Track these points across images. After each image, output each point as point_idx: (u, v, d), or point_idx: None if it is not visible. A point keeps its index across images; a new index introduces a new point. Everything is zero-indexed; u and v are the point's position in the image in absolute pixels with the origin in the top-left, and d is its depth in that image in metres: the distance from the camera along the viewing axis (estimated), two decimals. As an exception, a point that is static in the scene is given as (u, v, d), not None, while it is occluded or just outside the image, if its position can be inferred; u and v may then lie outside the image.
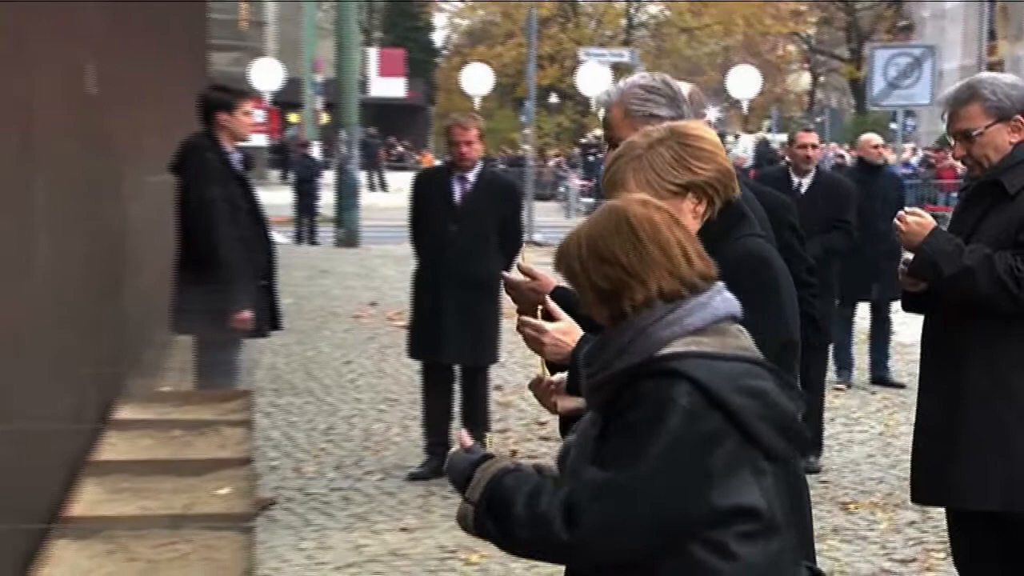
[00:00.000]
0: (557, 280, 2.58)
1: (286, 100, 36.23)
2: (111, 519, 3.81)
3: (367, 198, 24.50)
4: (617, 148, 2.99)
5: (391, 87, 41.12)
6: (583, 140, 36.39)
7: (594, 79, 25.66)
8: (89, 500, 4.17)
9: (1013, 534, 3.66)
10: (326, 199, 22.93)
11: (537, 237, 19.16)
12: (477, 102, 28.54)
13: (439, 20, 54.08)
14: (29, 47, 3.59)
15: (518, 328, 2.67)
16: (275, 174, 36.67)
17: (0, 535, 3.25)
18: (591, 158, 26.05)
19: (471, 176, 6.60)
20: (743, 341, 2.23)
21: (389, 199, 29.69)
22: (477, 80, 29.13)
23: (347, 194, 20.93)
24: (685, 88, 3.20)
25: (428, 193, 6.79)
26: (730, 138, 37.60)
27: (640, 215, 2.21)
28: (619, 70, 27.36)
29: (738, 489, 2.10)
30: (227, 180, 6.09)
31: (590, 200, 27.44)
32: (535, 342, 2.62)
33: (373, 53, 42.79)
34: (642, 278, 2.17)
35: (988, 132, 3.70)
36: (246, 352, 6.62)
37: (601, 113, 3.20)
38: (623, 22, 47.56)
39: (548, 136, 45.26)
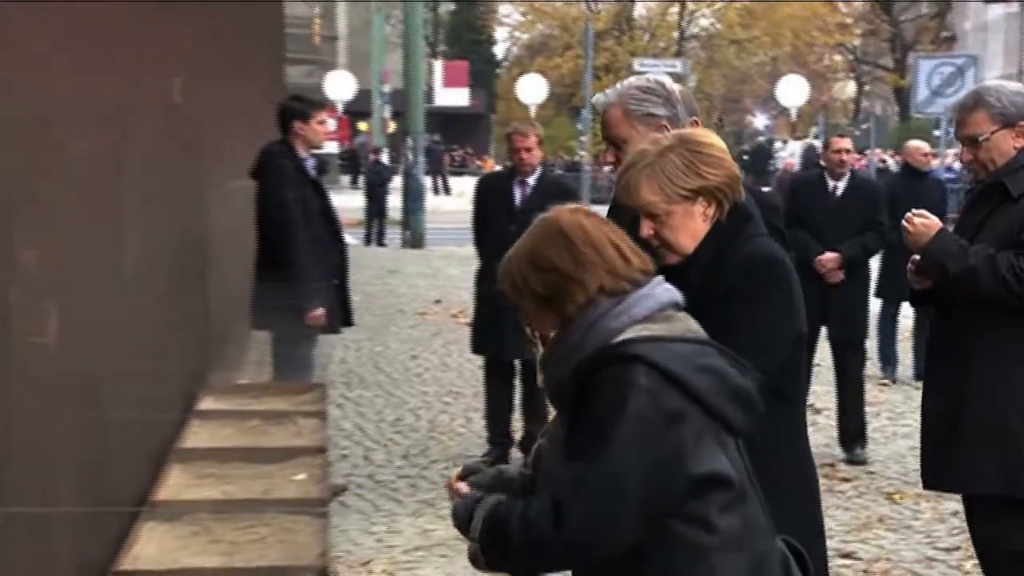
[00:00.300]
0: None
1: (356, 109, 36.42)
2: (195, 503, 3.85)
3: (432, 202, 24.56)
4: (618, 149, 3.06)
5: (455, 97, 41.11)
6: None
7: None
8: (175, 485, 4.22)
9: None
10: (393, 203, 23.02)
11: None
12: (533, 110, 28.52)
13: (500, 34, 54.09)
14: (126, 60, 3.64)
15: None
16: (346, 179, 36.84)
17: (93, 518, 3.30)
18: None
19: (531, 180, 6.60)
20: (690, 324, 2.25)
21: (452, 203, 29.77)
22: (532, 90, 29.13)
23: (413, 198, 21.01)
24: (677, 89, 3.23)
25: (490, 197, 6.79)
26: (778, 143, 37.30)
27: (571, 221, 2.24)
28: (672, 80, 27.26)
29: (709, 459, 2.10)
30: (301, 185, 6.14)
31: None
32: None
33: (438, 65, 42.85)
34: (580, 279, 2.19)
35: (993, 138, 3.73)
36: (320, 347, 6.68)
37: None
38: (675, 34, 47.29)
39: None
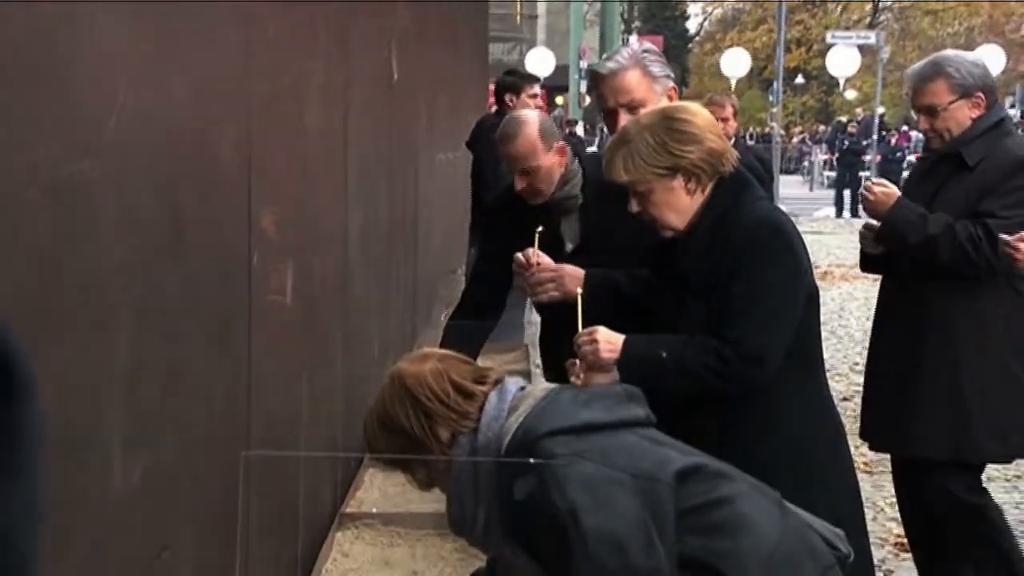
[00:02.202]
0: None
1: (554, 84, 36.52)
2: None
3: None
4: (633, 113, 2.95)
5: (648, 71, 40.78)
6: (841, 119, 35.14)
7: (842, 60, 24.85)
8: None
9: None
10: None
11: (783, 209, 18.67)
12: (733, 83, 28.05)
13: (693, 9, 53.30)
14: (350, 41, 3.75)
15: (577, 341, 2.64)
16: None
17: (327, 463, 3.44)
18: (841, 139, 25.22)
19: (727, 150, 6.52)
20: (538, 391, 2.13)
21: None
22: (734, 63, 28.63)
23: (608, 169, 20.95)
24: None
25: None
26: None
27: (414, 376, 2.11)
28: (865, 52, 26.35)
29: (665, 462, 2.01)
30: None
31: (832, 173, 26.66)
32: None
33: (633, 40, 42.56)
34: (432, 434, 2.07)
35: (951, 108, 3.63)
36: (527, 309, 6.75)
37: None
38: (868, 6, 45.68)
39: (793, 115, 44.03)
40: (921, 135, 4.13)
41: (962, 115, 3.63)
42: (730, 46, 33.92)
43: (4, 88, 1.30)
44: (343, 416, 3.73)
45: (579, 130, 27.98)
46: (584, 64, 36.93)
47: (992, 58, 29.26)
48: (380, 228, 4.78)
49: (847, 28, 39.14)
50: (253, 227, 2.50)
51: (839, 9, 45.92)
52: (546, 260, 3.00)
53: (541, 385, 2.23)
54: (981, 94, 3.63)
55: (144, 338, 1.79)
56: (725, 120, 6.48)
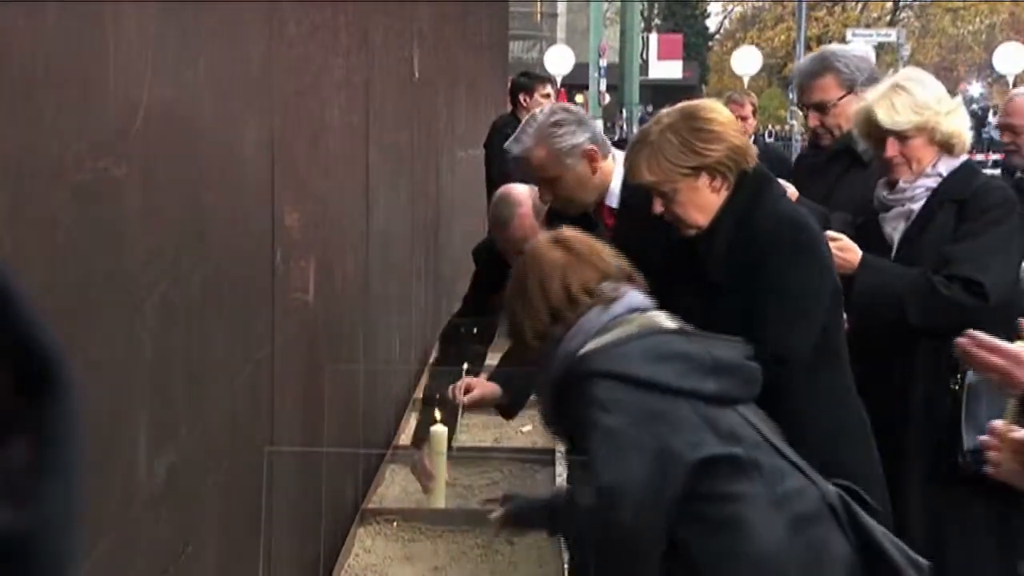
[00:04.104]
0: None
1: (573, 82, 36.50)
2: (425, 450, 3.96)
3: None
4: (552, 186, 2.97)
5: (669, 69, 40.66)
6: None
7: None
8: (413, 431, 4.35)
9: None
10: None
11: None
12: (746, 81, 27.97)
13: (713, 7, 53.14)
14: (372, 40, 3.75)
15: None
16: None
17: (347, 458, 3.44)
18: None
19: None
20: (644, 321, 2.19)
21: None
22: (746, 61, 28.57)
23: (627, 167, 20.95)
24: (578, 109, 3.14)
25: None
26: (991, 111, 35.42)
27: (535, 257, 2.26)
28: (885, 50, 26.20)
29: (695, 445, 2.02)
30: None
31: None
32: None
33: (653, 38, 42.48)
34: (535, 315, 2.22)
35: (840, 103, 3.52)
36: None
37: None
38: (888, 3, 45.47)
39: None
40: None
41: (851, 110, 3.48)
42: (750, 44, 33.82)
43: (30, 87, 1.31)
44: (365, 412, 3.74)
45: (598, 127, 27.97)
46: (604, 63, 36.90)
47: (1015, 55, 29.07)
48: (402, 225, 4.78)
49: (867, 26, 38.98)
50: (277, 224, 2.51)
51: (859, 7, 45.72)
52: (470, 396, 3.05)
53: (656, 318, 2.24)
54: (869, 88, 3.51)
55: (169, 335, 1.79)
56: (744, 119, 6.46)
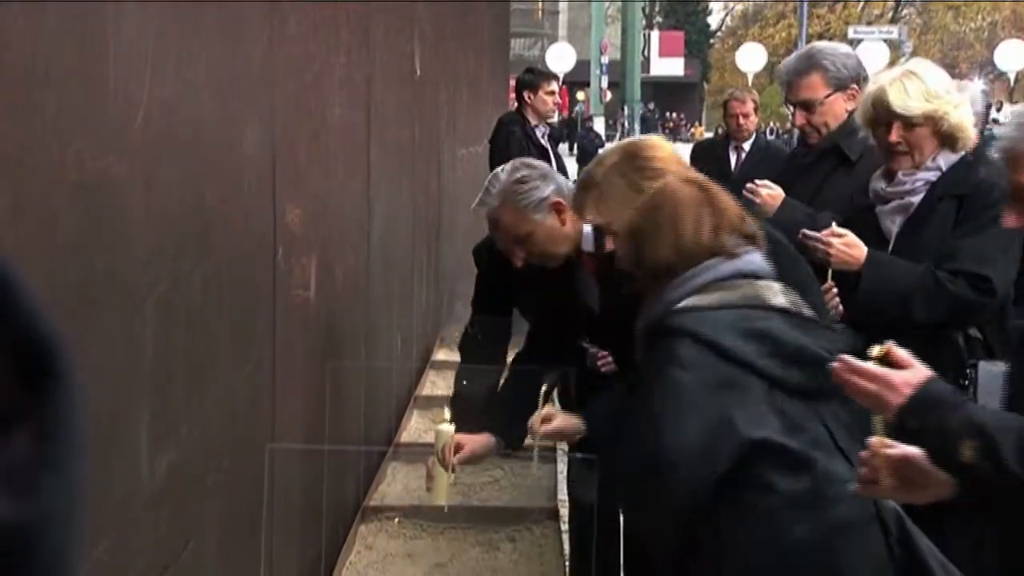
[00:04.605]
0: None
1: (575, 80, 36.52)
2: (433, 446, 3.97)
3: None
4: (527, 243, 2.94)
5: (670, 66, 40.71)
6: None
7: (872, 56, 24.78)
8: (414, 429, 4.36)
9: None
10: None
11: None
12: (750, 78, 27.97)
13: (715, 4, 53.13)
14: (372, 37, 3.75)
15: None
16: (564, 147, 37.01)
17: (350, 456, 3.44)
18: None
19: (746, 146, 6.51)
20: (749, 291, 2.18)
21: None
22: (750, 58, 28.56)
23: (629, 164, 20.96)
24: (537, 163, 3.09)
25: (706, 162, 6.71)
26: (994, 107, 35.42)
27: (669, 192, 2.25)
28: (890, 46, 26.19)
29: (757, 425, 2.02)
30: (529, 151, 6.23)
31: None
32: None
33: (655, 36, 42.49)
34: (654, 249, 2.22)
35: (827, 101, 3.50)
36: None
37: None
38: (890, 1, 45.45)
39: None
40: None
41: (839, 108, 3.50)
42: (751, 41, 33.81)
43: (31, 86, 1.31)
44: (366, 410, 3.74)
45: (599, 126, 27.97)
46: (605, 60, 36.91)
47: (1016, 52, 29.06)
48: (403, 223, 4.78)
49: (869, 23, 38.97)
50: (278, 222, 2.51)
51: (861, 4, 45.71)
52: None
53: (763, 290, 2.22)
54: (856, 86, 3.50)
55: (170, 333, 1.79)
56: (746, 116, 6.46)
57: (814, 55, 3.61)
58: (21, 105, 1.29)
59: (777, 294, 2.21)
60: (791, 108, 3.65)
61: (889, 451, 1.88)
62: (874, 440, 1.90)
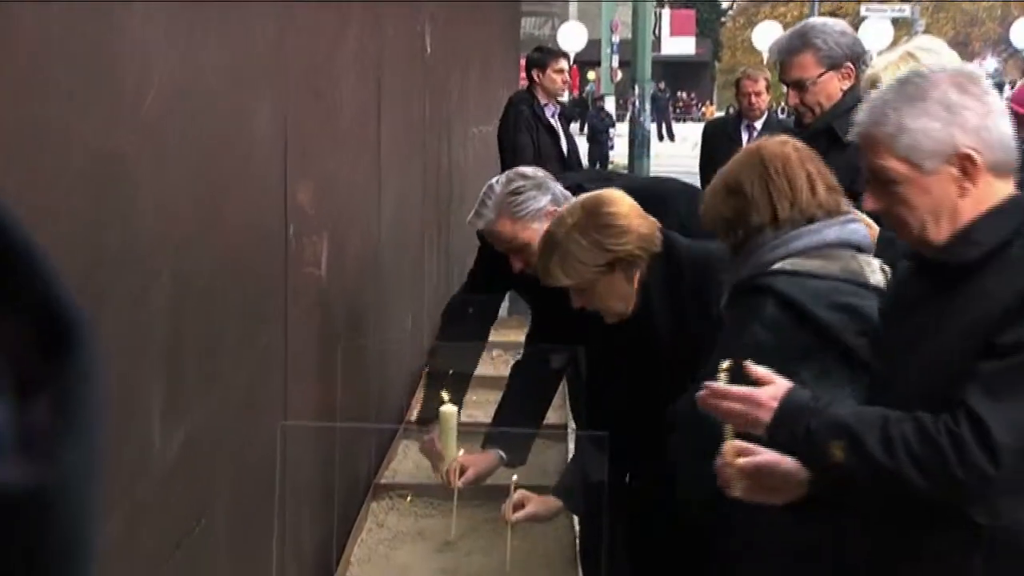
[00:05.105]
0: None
1: (586, 59, 36.38)
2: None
3: (655, 147, 24.37)
4: (523, 252, 2.97)
5: (682, 45, 40.58)
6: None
7: (876, 34, 24.65)
8: (418, 410, 4.36)
9: None
10: (620, 149, 22.99)
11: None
12: (765, 57, 27.87)
13: (726, -18, 52.83)
14: (383, 15, 3.74)
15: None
16: (575, 127, 36.92)
17: (360, 434, 3.45)
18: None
19: (758, 124, 6.48)
20: (850, 264, 2.15)
21: (675, 148, 29.43)
22: (767, 36, 28.46)
23: (639, 144, 20.85)
24: (531, 171, 3.10)
25: (718, 141, 6.68)
26: (1008, 85, 35.24)
27: (772, 151, 2.24)
28: (899, 26, 26.04)
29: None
30: (537, 130, 6.23)
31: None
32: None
33: (666, 14, 42.32)
34: (759, 206, 2.18)
35: (820, 81, 3.42)
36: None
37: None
38: (903, -21, 45.14)
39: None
40: None
41: (832, 87, 3.44)
42: (763, 20, 33.65)
43: (44, 63, 1.31)
44: (377, 387, 3.75)
45: (610, 105, 27.89)
46: (616, 39, 36.79)
47: (1028, 30, 28.84)
48: (413, 201, 4.78)
49: (881, 1, 38.76)
50: (289, 200, 2.51)
51: (873, -18, 45.41)
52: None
53: (865, 266, 2.19)
54: (850, 64, 3.44)
55: (182, 310, 1.80)
56: (758, 94, 6.43)
57: (806, 33, 3.56)
58: (33, 81, 1.29)
59: (875, 271, 2.19)
60: (784, 88, 3.61)
61: (741, 461, 1.92)
62: (726, 447, 1.94)
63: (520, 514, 2.77)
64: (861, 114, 1.94)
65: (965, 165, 1.83)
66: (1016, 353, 1.71)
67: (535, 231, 2.96)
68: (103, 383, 0.40)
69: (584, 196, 2.72)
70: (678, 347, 2.56)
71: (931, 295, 1.88)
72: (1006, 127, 1.87)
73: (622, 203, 2.61)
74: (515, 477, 2.91)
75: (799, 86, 3.51)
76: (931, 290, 1.88)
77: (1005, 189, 1.87)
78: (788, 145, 2.27)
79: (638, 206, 2.64)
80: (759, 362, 1.97)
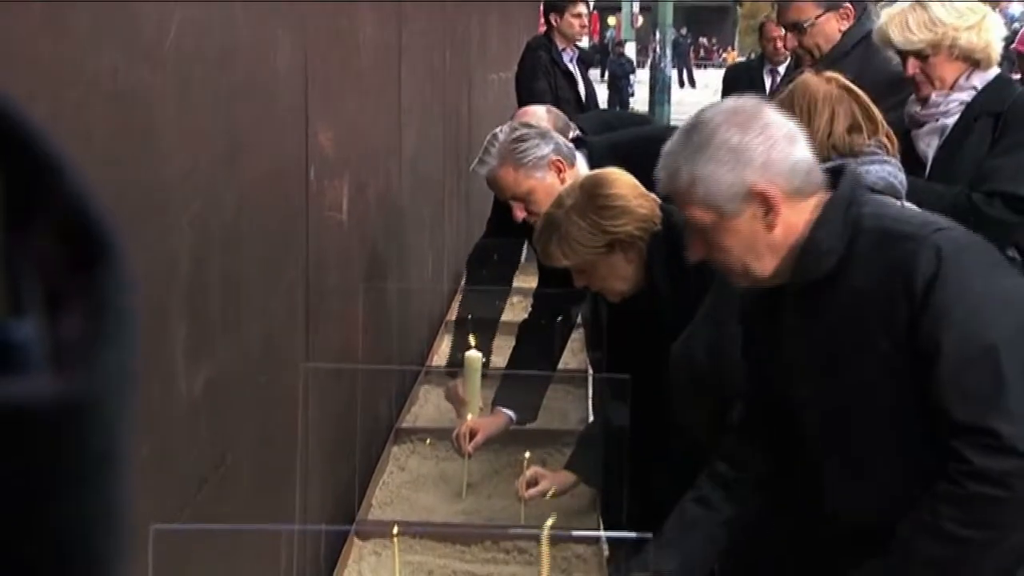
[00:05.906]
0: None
1: (606, 5, 36.08)
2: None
3: (676, 94, 24.19)
4: (526, 202, 2.99)
5: (703, -10, 40.15)
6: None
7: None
8: (444, 352, 4.37)
9: None
10: (641, 95, 22.82)
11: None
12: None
13: (748, -74, 52.11)
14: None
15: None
16: (595, 73, 36.69)
17: (382, 377, 3.46)
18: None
19: (781, 69, 6.42)
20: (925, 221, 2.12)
21: (697, 94, 29.22)
22: (784, -18, 28.18)
23: (659, 90, 20.69)
24: (542, 116, 3.05)
25: (741, 86, 6.60)
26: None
27: (806, 87, 2.25)
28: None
29: None
30: (555, 76, 6.18)
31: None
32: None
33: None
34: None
35: (819, 22, 3.36)
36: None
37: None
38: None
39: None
40: None
41: (831, 29, 3.38)
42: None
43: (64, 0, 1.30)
44: (398, 330, 3.75)
45: (631, 51, 27.65)
46: (636, -16, 36.44)
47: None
48: (434, 146, 4.76)
49: (906, -55, 38.22)
50: (310, 142, 2.50)
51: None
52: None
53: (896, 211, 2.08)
54: (849, 4, 3.37)
55: (205, 249, 1.79)
56: (782, 38, 6.37)
57: None
58: (55, 17, 1.28)
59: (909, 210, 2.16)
60: (782, 31, 3.55)
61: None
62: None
63: (534, 491, 2.79)
64: (659, 171, 1.95)
65: (764, 200, 1.84)
66: (954, 350, 1.72)
67: (538, 180, 2.98)
68: (136, 294, 0.40)
69: (584, 176, 2.71)
70: (682, 323, 2.56)
71: (804, 317, 1.90)
72: (796, 150, 1.87)
73: (622, 184, 2.61)
74: (527, 454, 2.92)
75: (797, 28, 3.45)
76: (803, 313, 1.90)
77: (818, 201, 1.89)
78: (832, 82, 2.25)
79: (639, 185, 2.62)
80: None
